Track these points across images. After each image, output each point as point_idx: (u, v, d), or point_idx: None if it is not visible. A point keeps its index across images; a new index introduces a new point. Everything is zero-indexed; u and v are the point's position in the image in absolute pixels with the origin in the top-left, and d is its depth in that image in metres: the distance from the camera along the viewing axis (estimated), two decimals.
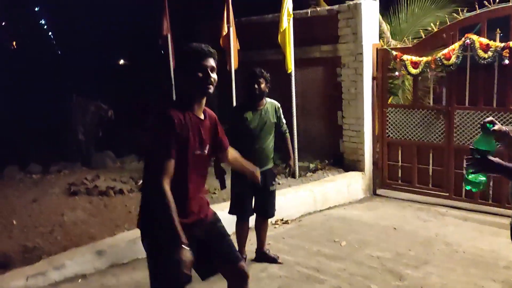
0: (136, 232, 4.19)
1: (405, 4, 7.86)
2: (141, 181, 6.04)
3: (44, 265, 3.74)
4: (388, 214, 5.45)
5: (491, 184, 5.36)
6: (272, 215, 4.07)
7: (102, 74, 8.95)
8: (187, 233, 2.15)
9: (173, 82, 7.58)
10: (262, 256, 4.10)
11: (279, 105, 4.05)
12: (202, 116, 2.39)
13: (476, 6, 5.20)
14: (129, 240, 4.18)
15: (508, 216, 5.01)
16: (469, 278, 3.71)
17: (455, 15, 5.51)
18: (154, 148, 2.26)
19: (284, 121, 4.10)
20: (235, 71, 6.44)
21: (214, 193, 5.59)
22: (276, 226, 5.02)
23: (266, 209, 3.98)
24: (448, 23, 5.47)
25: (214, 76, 2.32)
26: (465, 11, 5.37)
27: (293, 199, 5.42)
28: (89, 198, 5.49)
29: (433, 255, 4.18)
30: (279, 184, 5.98)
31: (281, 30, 5.89)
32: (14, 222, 4.61)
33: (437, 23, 5.70)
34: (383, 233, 4.78)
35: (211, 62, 2.32)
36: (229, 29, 6.37)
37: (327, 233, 4.80)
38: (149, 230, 2.35)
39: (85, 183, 5.92)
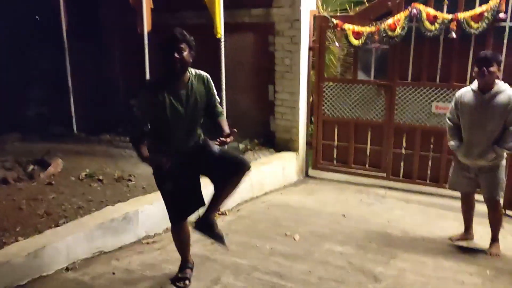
0: (38, 240, 3.17)
1: None
2: (32, 167, 4.83)
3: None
4: (330, 198, 4.99)
5: (429, 163, 5.18)
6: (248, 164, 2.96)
7: None
8: None
9: (66, 47, 6.30)
10: (208, 229, 3.00)
11: (208, 77, 2.99)
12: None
13: None
14: (28, 254, 3.08)
15: (447, 196, 4.92)
16: (445, 273, 3.36)
17: None
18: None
19: (218, 99, 3.09)
20: (148, 34, 5.42)
21: (130, 180, 4.62)
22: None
23: (237, 159, 2.98)
24: None
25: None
26: None
27: None
28: None
29: (396, 247, 3.78)
30: None
31: None
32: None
33: None
34: (334, 222, 4.28)
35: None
36: None
37: (274, 225, 4.16)
38: None
39: None
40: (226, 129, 2.92)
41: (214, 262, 3.40)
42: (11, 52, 7.14)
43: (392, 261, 3.52)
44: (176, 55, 2.66)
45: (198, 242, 3.55)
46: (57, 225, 3.57)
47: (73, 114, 6.47)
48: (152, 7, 5.51)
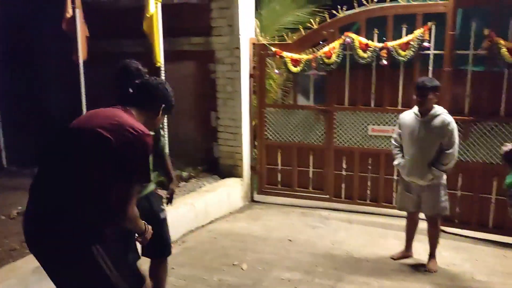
0: None
1: (267, 1, 7.63)
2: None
3: None
4: (275, 224, 5.02)
5: (368, 184, 5.38)
6: (169, 252, 3.05)
7: None
8: None
9: None
10: None
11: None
12: None
13: (355, 4, 5.10)
14: None
15: (387, 215, 5.13)
16: None
17: (334, 12, 5.35)
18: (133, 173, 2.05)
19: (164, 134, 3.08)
20: (84, 62, 5.26)
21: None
22: None
23: (162, 244, 2.96)
24: (329, 20, 5.27)
25: None
26: (344, 9, 5.22)
27: (171, 216, 4.54)
28: None
29: (342, 269, 3.87)
30: None
31: (147, 16, 4.94)
32: None
33: (305, 23, 5.50)
34: (281, 248, 4.31)
35: None
36: (75, 11, 5.15)
37: (221, 255, 4.11)
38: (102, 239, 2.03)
39: None
40: (173, 178, 3.07)
41: None
42: None
43: (339, 284, 3.59)
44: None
45: None
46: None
47: (1, 146, 6.10)
48: (88, 35, 5.37)
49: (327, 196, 5.57)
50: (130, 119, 2.14)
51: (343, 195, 5.52)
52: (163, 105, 2.34)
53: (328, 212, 5.39)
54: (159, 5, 4.95)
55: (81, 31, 5.26)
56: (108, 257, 2.03)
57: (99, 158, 2.01)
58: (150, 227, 2.31)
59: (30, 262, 3.38)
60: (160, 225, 2.89)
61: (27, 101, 6.76)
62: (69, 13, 5.16)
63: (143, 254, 2.87)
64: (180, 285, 3.49)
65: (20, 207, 4.48)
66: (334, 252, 4.23)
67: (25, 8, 6.62)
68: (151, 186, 2.91)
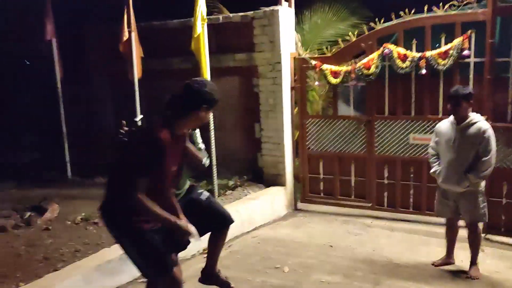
0: (38, 285, 3.32)
1: (309, 16, 7.86)
2: (29, 214, 4.97)
3: None
4: (317, 231, 5.18)
5: (411, 192, 5.42)
6: (231, 220, 3.23)
7: None
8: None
9: (60, 94, 6.59)
10: (214, 280, 3.32)
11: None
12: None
13: (393, 16, 5.22)
14: None
15: (430, 223, 5.15)
16: None
17: (372, 24, 5.49)
18: (135, 165, 2.54)
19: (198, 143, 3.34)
20: (139, 80, 5.71)
21: None
22: (205, 255, 4.40)
23: (222, 217, 3.18)
24: (368, 33, 5.43)
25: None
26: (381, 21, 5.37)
27: None
28: None
29: (380, 274, 3.97)
30: None
31: (195, 36, 5.32)
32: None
33: (347, 35, 5.68)
34: (322, 254, 4.47)
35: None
36: (131, 34, 5.63)
37: (264, 259, 4.34)
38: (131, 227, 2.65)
39: None
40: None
41: None
42: (3, 99, 7.40)
43: (377, 287, 3.70)
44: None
45: (192, 278, 3.72)
46: (55, 269, 3.71)
47: (67, 159, 6.67)
48: (143, 55, 5.83)
49: (370, 204, 5.66)
50: (153, 124, 2.65)
51: (385, 203, 5.59)
52: (204, 106, 2.71)
53: (371, 220, 5.48)
54: (205, 25, 5.32)
55: (136, 52, 5.73)
56: (141, 239, 2.65)
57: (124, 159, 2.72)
58: (182, 223, 2.69)
59: (92, 261, 3.77)
60: (208, 205, 3.17)
61: (88, 119, 7.36)
62: (125, 36, 5.66)
63: (213, 232, 3.18)
64: None
65: (83, 214, 4.93)
66: (374, 258, 4.33)
67: (83, 33, 7.26)
68: (186, 186, 3.23)
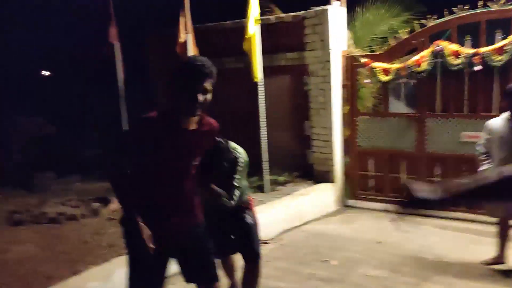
0: (107, 268, 3.66)
1: (361, 12, 7.85)
2: (95, 204, 5.39)
3: None
4: (366, 227, 5.25)
5: None
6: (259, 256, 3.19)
7: (39, 88, 8.12)
8: (162, 242, 2.31)
9: (122, 94, 7.03)
10: None
11: None
12: (192, 127, 2.37)
13: (445, 12, 5.17)
14: (101, 278, 3.57)
15: (484, 222, 5.06)
16: None
17: (423, 21, 5.46)
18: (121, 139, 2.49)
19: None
20: None
21: None
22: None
23: (254, 247, 3.17)
24: (419, 30, 5.41)
25: (206, 97, 2.28)
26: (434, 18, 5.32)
27: (269, 216, 5.05)
28: (36, 227, 4.77)
29: (428, 270, 4.01)
30: None
31: (247, 37, 5.54)
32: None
33: (401, 31, 5.66)
34: (369, 249, 4.55)
35: (207, 84, 2.27)
36: (187, 36, 5.93)
37: (313, 252, 4.49)
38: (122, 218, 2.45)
39: (30, 210, 5.16)
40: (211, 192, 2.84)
41: None
42: (71, 99, 7.98)
43: (423, 283, 3.75)
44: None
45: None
46: (119, 255, 4.04)
47: None
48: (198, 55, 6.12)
49: None
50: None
51: None
52: (193, 78, 2.25)
53: (422, 218, 5.43)
54: (258, 26, 5.52)
55: (192, 53, 6.02)
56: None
57: None
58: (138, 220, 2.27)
59: None
60: (247, 231, 3.12)
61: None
62: (181, 38, 5.98)
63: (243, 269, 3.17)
64: (275, 275, 3.94)
65: None
66: (422, 255, 4.36)
67: (144, 36, 7.69)
68: (243, 197, 3.03)
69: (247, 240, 3.10)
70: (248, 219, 3.10)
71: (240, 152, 3.00)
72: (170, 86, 2.37)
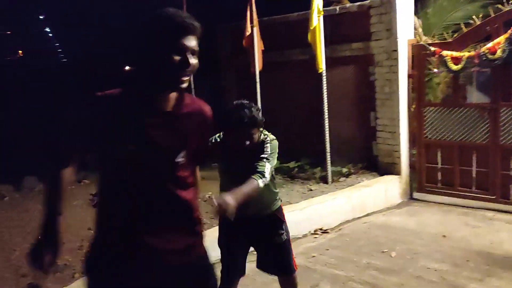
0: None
1: None
2: None
3: (80, 286, 3.42)
4: (432, 220, 5.11)
5: None
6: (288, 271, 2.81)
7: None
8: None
9: (192, 86, 7.36)
10: None
11: None
12: (169, 109, 1.65)
13: None
14: None
15: None
16: None
17: (495, 7, 5.16)
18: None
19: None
20: (260, 72, 6.16)
21: None
22: (316, 236, 4.70)
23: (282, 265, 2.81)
24: (492, 15, 5.12)
25: (193, 61, 1.58)
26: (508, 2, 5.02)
27: (330, 206, 5.10)
28: None
29: (495, 266, 3.84)
30: (311, 190, 5.67)
31: (311, 28, 5.58)
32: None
33: (477, 16, 5.38)
34: (433, 242, 4.44)
35: (193, 42, 1.58)
36: (253, 29, 6.10)
37: (372, 243, 4.47)
38: None
39: None
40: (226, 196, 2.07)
41: (314, 272, 3.85)
42: None
43: (488, 278, 3.61)
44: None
45: (301, 255, 4.05)
46: None
47: None
48: (263, 48, 6.26)
49: (493, 197, 5.36)
50: None
51: (511, 196, 5.25)
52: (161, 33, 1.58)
53: (493, 213, 5.20)
54: (321, 17, 5.54)
55: (258, 46, 6.19)
56: None
57: None
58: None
59: (216, 232, 4.29)
60: (279, 248, 2.76)
61: (214, 109, 8.08)
62: (248, 31, 6.16)
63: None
64: (331, 262, 3.99)
65: (210, 192, 5.53)
66: (490, 251, 4.17)
67: (214, 30, 7.98)
68: (273, 206, 2.72)
69: (280, 258, 2.73)
70: (284, 235, 2.71)
71: (269, 135, 2.62)
72: (138, 49, 1.63)
